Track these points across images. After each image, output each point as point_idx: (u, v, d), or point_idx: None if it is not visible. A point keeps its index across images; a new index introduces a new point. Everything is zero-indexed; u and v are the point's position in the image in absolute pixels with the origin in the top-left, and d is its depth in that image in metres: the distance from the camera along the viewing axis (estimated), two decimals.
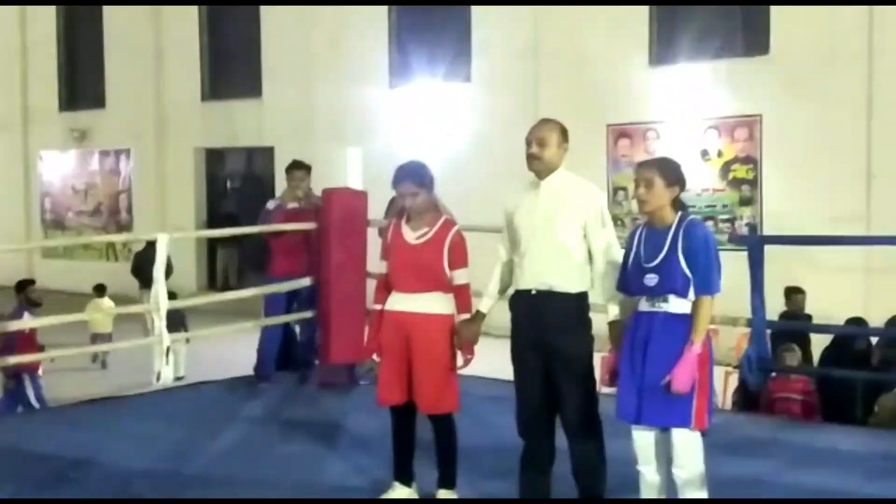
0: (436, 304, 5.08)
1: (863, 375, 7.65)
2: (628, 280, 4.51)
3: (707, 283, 4.34)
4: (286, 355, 8.04)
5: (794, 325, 8.70)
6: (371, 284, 7.80)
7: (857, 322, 8.35)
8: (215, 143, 18.35)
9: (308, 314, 7.91)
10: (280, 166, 8.49)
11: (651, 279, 4.38)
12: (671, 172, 4.48)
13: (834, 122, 11.64)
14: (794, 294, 9.28)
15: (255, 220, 8.24)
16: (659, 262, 4.37)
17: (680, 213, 4.45)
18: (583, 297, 4.77)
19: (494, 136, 13.76)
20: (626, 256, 4.54)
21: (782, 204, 11.96)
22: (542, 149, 4.75)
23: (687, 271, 4.32)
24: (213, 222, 18.07)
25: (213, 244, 18.41)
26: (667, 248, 4.37)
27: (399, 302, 5.12)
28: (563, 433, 4.80)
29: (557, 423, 4.84)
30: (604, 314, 4.72)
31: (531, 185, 4.88)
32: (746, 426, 6.62)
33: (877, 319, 8.61)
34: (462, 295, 5.11)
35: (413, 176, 5.09)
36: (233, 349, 9.76)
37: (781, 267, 10.48)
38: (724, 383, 8.99)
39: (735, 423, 6.70)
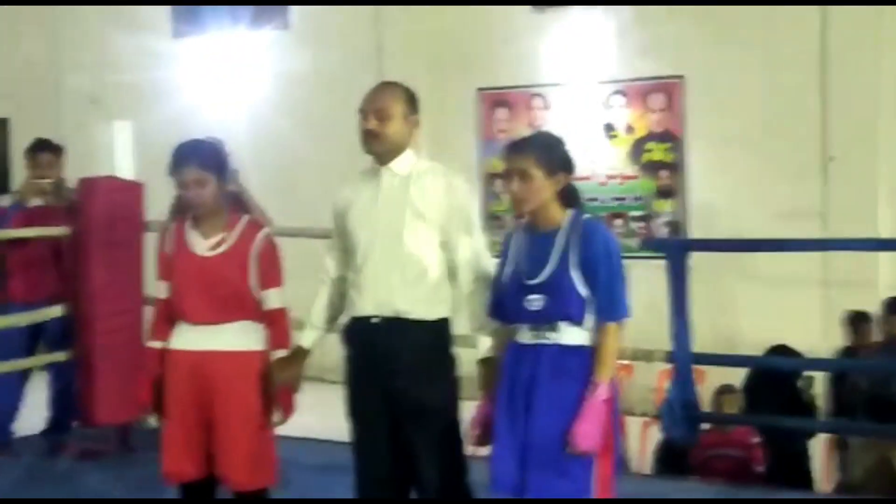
0: (241, 337, 5.10)
1: (822, 424, 8.00)
2: (504, 303, 4.60)
3: (612, 304, 4.46)
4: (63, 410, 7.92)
5: (724, 359, 8.93)
6: (149, 314, 7.79)
7: (782, 351, 8.75)
8: None
9: (60, 356, 7.81)
10: (17, 145, 8.34)
11: (535, 301, 4.48)
12: (553, 155, 4.58)
13: (780, 86, 12.01)
14: (860, 323, 9.31)
15: None
16: (545, 278, 4.47)
17: (572, 211, 4.56)
18: (443, 325, 4.86)
19: (324, 105, 13.74)
20: (501, 271, 4.62)
21: (713, 196, 12.26)
22: (382, 122, 4.82)
23: (583, 290, 4.44)
24: None
25: None
26: (556, 259, 4.47)
27: (189, 338, 5.12)
28: None
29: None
30: (472, 349, 4.80)
31: (369, 174, 4.95)
32: (671, 494, 6.83)
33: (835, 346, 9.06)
34: (276, 323, 5.15)
35: (198, 157, 5.06)
36: None
37: (713, 280, 10.83)
38: (642, 438, 9.22)
39: (655, 490, 6.90)
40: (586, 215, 4.59)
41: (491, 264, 4.77)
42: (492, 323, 4.72)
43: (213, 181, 5.05)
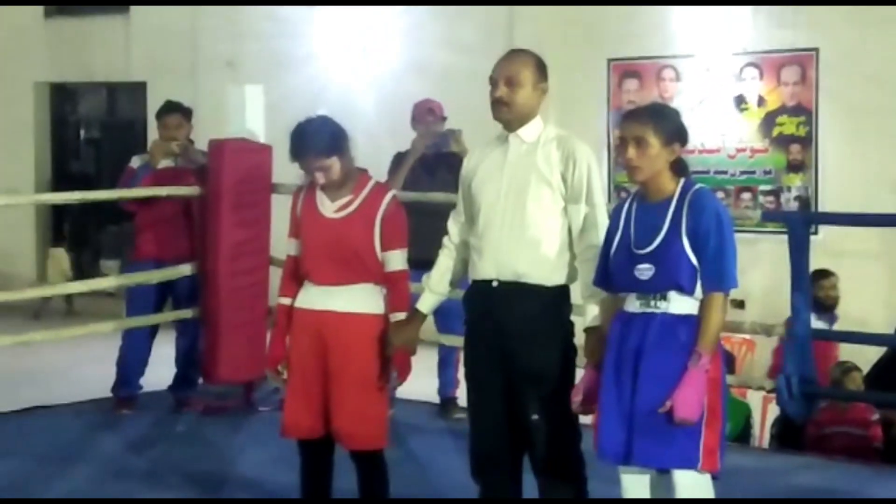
0: (364, 300, 5.18)
1: None
2: (613, 272, 4.61)
3: (719, 274, 4.45)
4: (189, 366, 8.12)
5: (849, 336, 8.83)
6: (276, 275, 7.93)
7: None
8: (64, 76, 18.21)
9: (187, 314, 7.98)
10: (154, 108, 8.48)
11: (645, 270, 4.49)
12: (668, 125, 4.59)
13: None
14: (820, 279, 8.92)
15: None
16: (655, 247, 4.49)
17: (682, 181, 4.57)
18: (562, 292, 4.89)
19: (453, 73, 13.81)
20: (610, 240, 4.64)
21: (845, 171, 12.13)
22: (511, 90, 4.85)
23: (693, 259, 4.44)
24: (60, 185, 17.95)
25: (60, 216, 18.30)
26: (666, 229, 4.48)
27: (313, 297, 5.22)
28: (532, 474, 4.93)
29: (526, 462, 4.96)
30: (581, 318, 4.82)
31: (497, 141, 5.00)
32: (786, 470, 6.82)
33: None
34: (398, 285, 5.22)
35: (316, 145, 5.14)
36: (84, 361, 9.76)
37: (839, 257, 10.71)
38: (763, 412, 9.17)
39: (771, 465, 6.91)
40: (698, 185, 4.59)
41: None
42: (600, 292, 4.74)
43: (336, 162, 5.14)
